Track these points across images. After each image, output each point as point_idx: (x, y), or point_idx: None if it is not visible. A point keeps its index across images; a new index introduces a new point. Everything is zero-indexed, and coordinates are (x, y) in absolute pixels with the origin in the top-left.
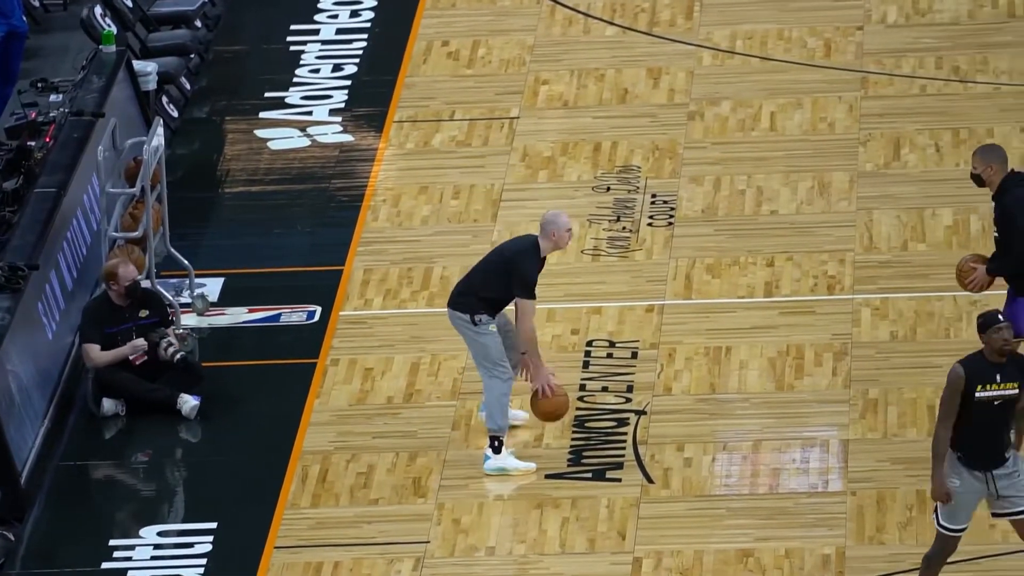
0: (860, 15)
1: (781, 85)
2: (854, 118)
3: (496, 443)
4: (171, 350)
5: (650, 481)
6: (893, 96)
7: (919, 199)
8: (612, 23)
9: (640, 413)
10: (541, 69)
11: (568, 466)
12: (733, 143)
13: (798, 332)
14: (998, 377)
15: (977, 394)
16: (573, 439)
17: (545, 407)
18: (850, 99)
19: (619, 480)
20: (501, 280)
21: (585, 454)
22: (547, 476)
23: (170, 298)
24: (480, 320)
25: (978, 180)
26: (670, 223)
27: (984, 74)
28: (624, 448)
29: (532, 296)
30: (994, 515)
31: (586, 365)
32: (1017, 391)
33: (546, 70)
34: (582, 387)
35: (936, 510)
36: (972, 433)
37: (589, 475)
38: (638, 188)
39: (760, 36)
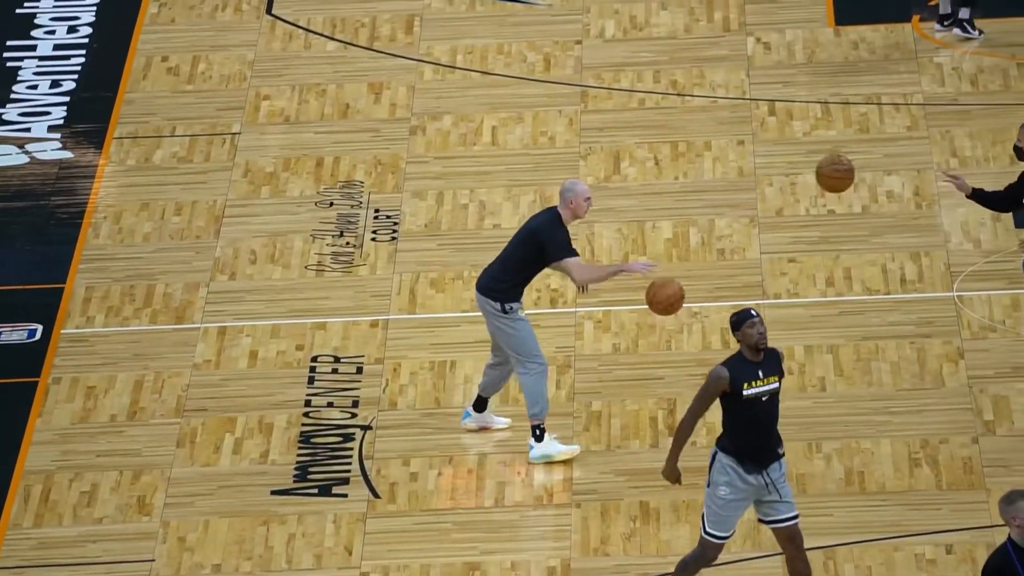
0: (579, 30)
1: (502, 99)
2: (574, 132)
3: (538, 431)
4: None
5: (376, 496)
6: (612, 110)
7: (639, 212)
8: (333, 38)
9: (366, 428)
10: (262, 84)
11: (294, 482)
12: (455, 157)
13: None
14: (760, 373)
15: (745, 392)
16: (299, 455)
17: (660, 295)
18: (570, 113)
19: (345, 495)
20: (529, 253)
21: (311, 470)
22: (273, 492)
23: None
24: (510, 308)
25: (1020, 153)
26: (393, 238)
27: (701, 87)
28: (350, 463)
29: (573, 252)
30: (760, 521)
31: (311, 381)
32: (778, 384)
33: (267, 85)
34: (307, 403)
35: (703, 516)
36: (747, 432)
37: (315, 491)
38: (361, 203)
39: (480, 51)
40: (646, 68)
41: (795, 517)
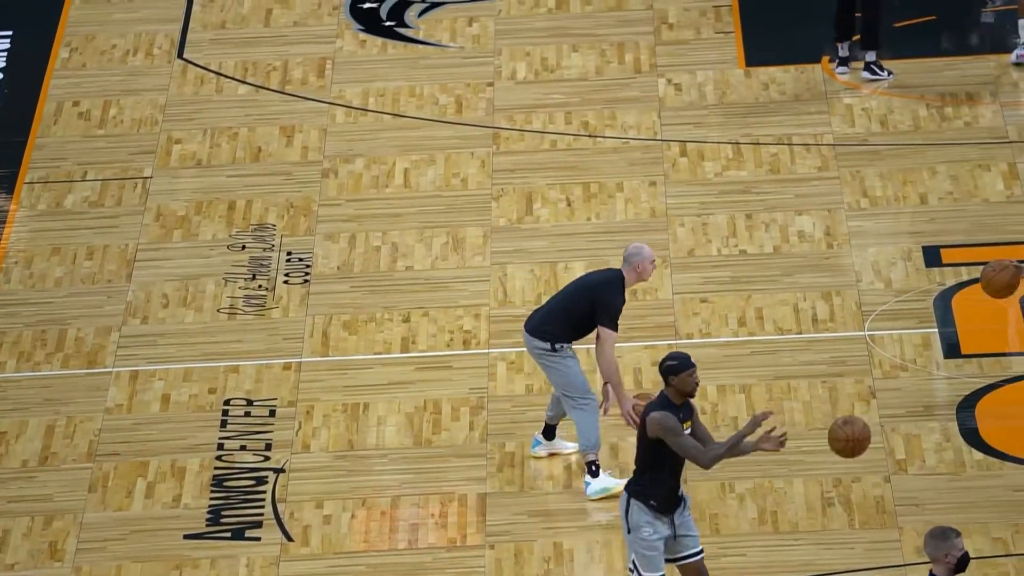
0: (490, 72)
1: (414, 142)
2: (487, 173)
3: (593, 467)
4: None
5: (289, 539)
6: (524, 151)
7: (552, 253)
8: (244, 82)
9: (279, 471)
10: (174, 128)
11: (207, 526)
12: (367, 199)
13: (435, 387)
14: (681, 416)
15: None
16: (212, 498)
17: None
18: (482, 155)
19: (258, 539)
20: (583, 311)
21: (224, 513)
22: (186, 536)
23: None
24: (560, 347)
25: None
26: (306, 280)
27: (613, 129)
28: (263, 506)
29: (615, 327)
30: (668, 561)
31: (224, 424)
32: (690, 430)
33: (179, 129)
34: (220, 446)
35: (635, 564)
36: (667, 477)
37: (228, 534)
38: (273, 246)
39: (392, 93)
40: (558, 110)
41: (701, 551)
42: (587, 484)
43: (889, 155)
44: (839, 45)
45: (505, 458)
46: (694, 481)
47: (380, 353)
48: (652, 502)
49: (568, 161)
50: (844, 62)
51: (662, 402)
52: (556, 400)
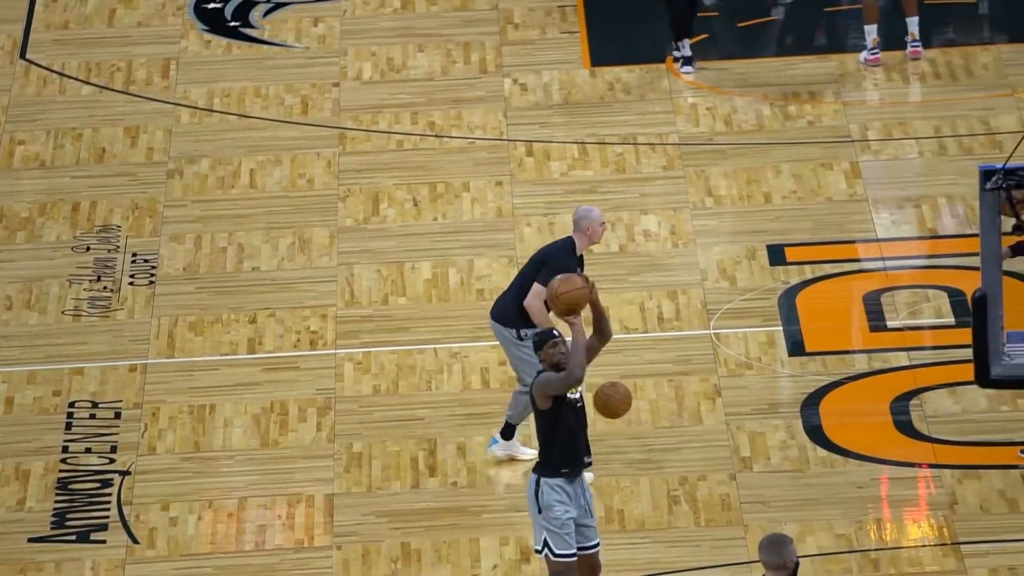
0: (336, 72)
1: (260, 142)
2: (333, 174)
3: (509, 431)
4: None
5: (135, 542)
6: (371, 151)
7: (398, 253)
8: (88, 82)
9: (124, 473)
10: (16, 130)
11: (51, 529)
12: (213, 200)
13: (282, 388)
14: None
15: (569, 395)
16: (56, 501)
17: (616, 406)
18: (328, 155)
19: (104, 542)
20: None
21: (69, 516)
22: (30, 540)
23: None
24: (525, 335)
25: None
26: (151, 282)
27: (459, 128)
28: (109, 509)
29: (545, 283)
30: None
31: (68, 427)
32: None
33: (22, 131)
34: (64, 449)
35: (546, 543)
36: (568, 439)
37: (73, 537)
38: (118, 247)
39: (237, 94)
40: (404, 110)
41: (598, 544)
42: (494, 441)
43: (734, 154)
44: (678, 44)
45: (352, 459)
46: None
47: (226, 354)
48: (563, 469)
49: (414, 161)
50: (688, 61)
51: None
52: (516, 397)
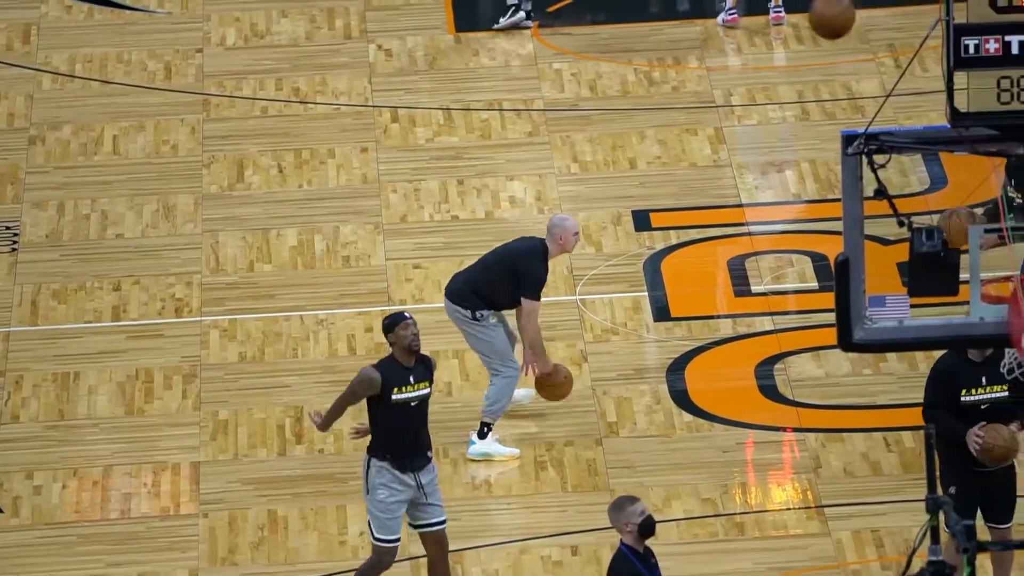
0: (199, 38)
1: (123, 108)
2: (197, 140)
3: (485, 429)
4: None
5: (0, 511)
6: (235, 118)
7: (264, 220)
8: None
9: None
10: None
11: None
12: (76, 167)
13: (147, 356)
14: (411, 378)
15: (393, 397)
16: None
17: (558, 391)
18: (193, 121)
19: None
20: (504, 283)
21: None
22: None
23: None
24: (481, 315)
25: None
26: (14, 249)
27: (324, 95)
28: None
29: (537, 297)
30: (413, 527)
31: None
32: (429, 390)
33: None
34: None
35: (370, 524)
36: (394, 437)
37: None
38: None
39: (100, 59)
40: (268, 76)
41: (444, 522)
42: (471, 443)
43: (599, 120)
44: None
45: (219, 426)
46: None
47: (91, 322)
48: (388, 454)
49: (279, 127)
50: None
51: (383, 361)
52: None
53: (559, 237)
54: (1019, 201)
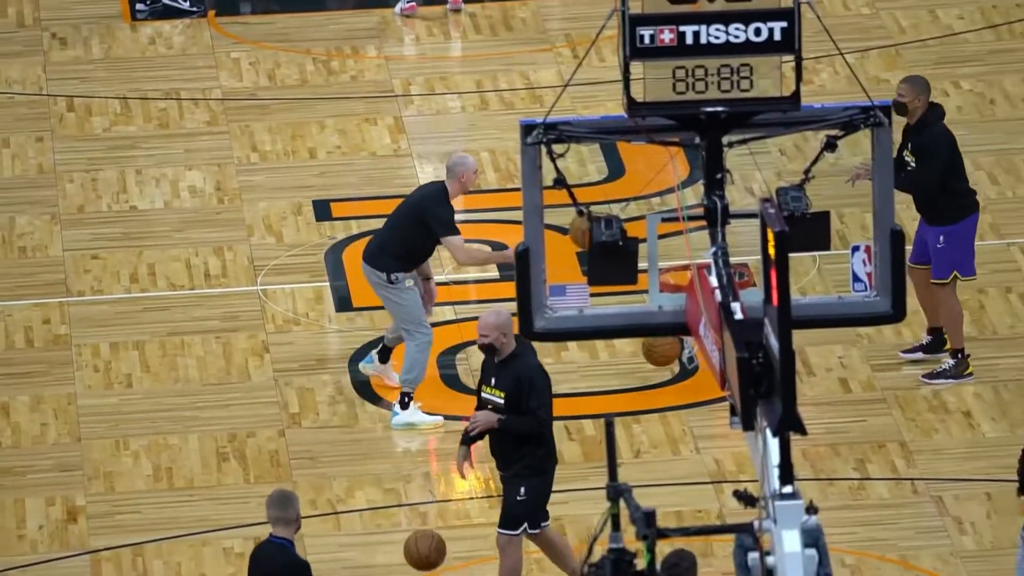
0: None
1: None
2: None
3: (406, 399)
4: None
5: None
6: None
7: None
8: None
9: None
10: None
11: None
12: None
13: None
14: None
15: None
16: None
17: (665, 352)
18: None
19: None
20: (414, 229)
21: None
22: None
23: None
24: (396, 279)
25: (901, 108)
26: None
27: None
28: None
29: (455, 231)
30: None
31: None
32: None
33: None
34: None
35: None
36: None
37: None
38: None
39: None
40: None
41: None
42: (394, 414)
43: (278, 109)
44: None
45: None
46: (86, 440)
47: None
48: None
49: None
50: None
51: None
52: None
53: (461, 176)
54: (912, 165)
